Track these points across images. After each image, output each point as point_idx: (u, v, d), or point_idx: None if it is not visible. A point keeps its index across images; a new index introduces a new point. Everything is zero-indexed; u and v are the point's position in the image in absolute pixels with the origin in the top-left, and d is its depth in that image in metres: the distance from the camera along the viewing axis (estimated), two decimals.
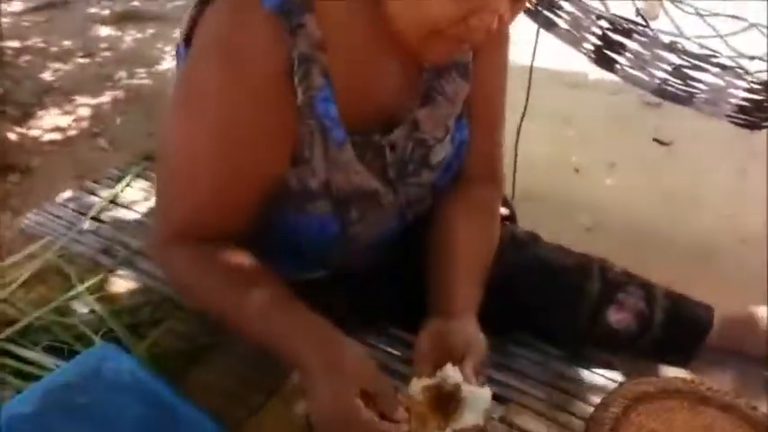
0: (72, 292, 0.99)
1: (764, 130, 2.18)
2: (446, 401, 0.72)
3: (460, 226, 0.87)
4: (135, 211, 1.26)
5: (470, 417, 0.70)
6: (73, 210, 1.26)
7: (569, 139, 2.46)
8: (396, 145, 0.84)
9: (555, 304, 0.96)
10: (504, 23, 0.73)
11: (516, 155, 1.73)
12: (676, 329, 0.99)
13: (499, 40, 0.87)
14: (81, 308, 1.00)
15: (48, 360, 0.88)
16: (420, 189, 0.90)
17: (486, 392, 0.72)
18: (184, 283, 0.81)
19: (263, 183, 0.78)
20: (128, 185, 1.33)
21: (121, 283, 1.07)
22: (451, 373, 0.72)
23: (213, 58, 0.74)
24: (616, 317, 0.96)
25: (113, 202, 1.29)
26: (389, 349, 0.98)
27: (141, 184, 1.34)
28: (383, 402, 0.68)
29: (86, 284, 1.01)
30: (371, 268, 0.94)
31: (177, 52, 0.86)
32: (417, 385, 0.73)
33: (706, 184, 2.21)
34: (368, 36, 0.76)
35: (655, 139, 2.41)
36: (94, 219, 1.24)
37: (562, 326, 0.98)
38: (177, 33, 0.92)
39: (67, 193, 1.31)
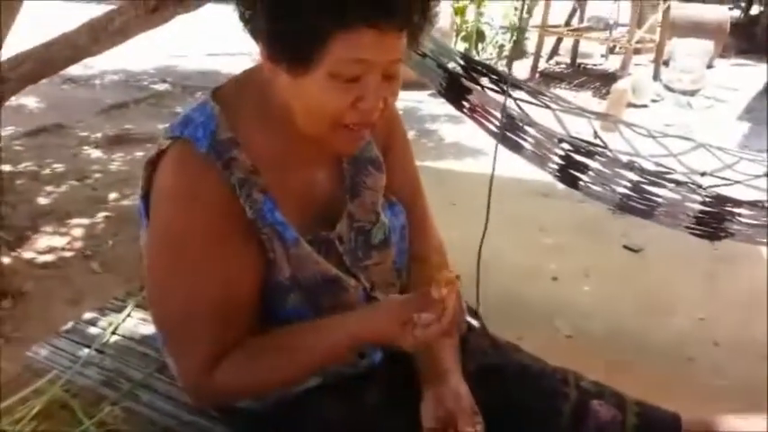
0: (78, 430, 1.03)
1: None
2: None
3: None
4: (135, 341, 1.32)
5: None
6: (75, 342, 1.31)
7: (544, 247, 2.56)
8: (342, 237, 0.99)
9: (538, 407, 1.01)
10: (389, 105, 0.89)
11: (479, 260, 1.76)
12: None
13: (395, 130, 1.07)
14: None
15: None
16: (380, 270, 1.02)
17: None
18: (242, 387, 0.92)
19: (252, 290, 0.91)
20: (128, 315, 1.39)
21: (125, 417, 1.11)
22: None
23: (170, 205, 0.89)
24: (595, 422, 1.02)
25: (114, 332, 1.34)
26: None
27: (140, 314, 1.41)
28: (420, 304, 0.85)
29: (93, 420, 1.05)
30: (363, 371, 1.01)
31: (138, 210, 0.98)
32: None
33: (678, 289, 2.30)
34: (291, 152, 0.94)
35: (625, 246, 2.53)
36: (97, 350, 1.29)
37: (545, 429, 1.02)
38: None
39: (69, 325, 1.36)
